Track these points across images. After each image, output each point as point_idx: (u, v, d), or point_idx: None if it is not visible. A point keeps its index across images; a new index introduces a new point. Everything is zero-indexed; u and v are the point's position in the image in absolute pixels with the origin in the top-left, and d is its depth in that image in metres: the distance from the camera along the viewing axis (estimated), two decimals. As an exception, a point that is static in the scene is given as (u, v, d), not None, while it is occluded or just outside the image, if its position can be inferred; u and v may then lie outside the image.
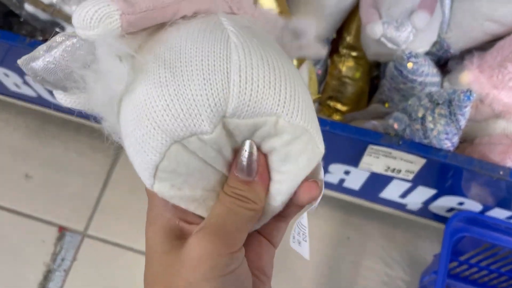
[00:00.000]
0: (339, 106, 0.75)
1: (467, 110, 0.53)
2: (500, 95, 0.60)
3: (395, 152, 0.61)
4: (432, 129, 0.55)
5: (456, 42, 0.66)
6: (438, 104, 0.54)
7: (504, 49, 0.60)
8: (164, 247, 0.25)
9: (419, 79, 0.63)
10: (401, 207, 0.78)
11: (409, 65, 0.59)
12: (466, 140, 0.67)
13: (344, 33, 0.71)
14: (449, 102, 0.53)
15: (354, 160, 0.66)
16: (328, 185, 0.80)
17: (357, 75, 0.72)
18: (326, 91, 0.75)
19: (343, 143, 0.64)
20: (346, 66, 0.72)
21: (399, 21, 0.60)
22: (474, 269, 0.80)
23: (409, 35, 0.60)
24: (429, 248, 0.88)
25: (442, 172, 0.63)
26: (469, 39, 0.65)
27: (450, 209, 0.72)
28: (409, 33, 0.60)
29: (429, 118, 0.55)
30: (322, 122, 0.62)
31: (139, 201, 0.86)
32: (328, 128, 0.61)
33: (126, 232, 0.88)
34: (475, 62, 0.63)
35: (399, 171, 0.65)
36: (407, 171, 0.64)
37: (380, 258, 0.88)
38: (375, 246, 0.89)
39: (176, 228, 0.25)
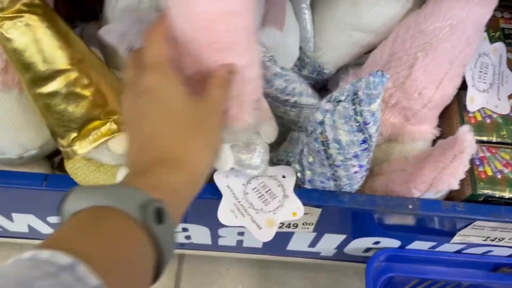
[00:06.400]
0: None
1: (378, 105, 0.36)
2: (384, 116, 0.48)
3: (284, 207, 0.46)
4: (334, 140, 0.39)
5: (328, 60, 0.53)
6: (340, 101, 0.38)
7: (376, 62, 0.49)
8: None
9: (292, 99, 0.48)
10: (315, 255, 0.63)
11: (277, 83, 0.44)
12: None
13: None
14: (354, 95, 0.36)
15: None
16: (228, 248, 0.63)
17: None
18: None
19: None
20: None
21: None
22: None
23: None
24: (358, 284, 0.75)
25: (345, 217, 0.50)
26: (340, 54, 0.53)
27: (367, 249, 0.59)
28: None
29: (329, 121, 0.39)
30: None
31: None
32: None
33: None
34: (350, 82, 0.51)
35: (296, 225, 0.50)
36: (305, 223, 0.49)
37: (308, 308, 0.73)
38: (300, 296, 0.74)
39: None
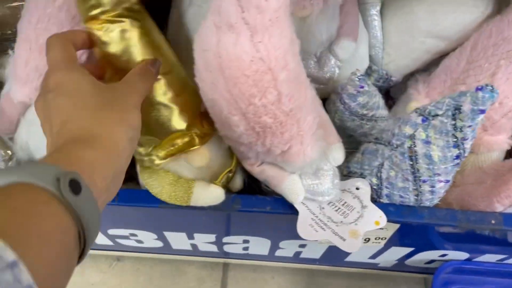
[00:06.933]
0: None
1: (480, 121, 0.35)
2: (460, 125, 0.46)
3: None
4: (425, 155, 0.38)
5: (397, 67, 0.52)
6: (436, 115, 0.36)
7: (452, 70, 0.47)
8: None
9: (370, 113, 0.47)
10: (372, 266, 0.62)
11: (360, 99, 0.43)
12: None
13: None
14: (456, 110, 0.34)
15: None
16: (283, 258, 0.62)
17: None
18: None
19: (286, 220, 0.47)
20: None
21: (318, 55, 0.44)
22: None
23: (334, 69, 0.45)
24: (408, 294, 0.73)
25: (420, 232, 0.48)
26: (410, 61, 0.51)
27: (431, 261, 0.57)
28: (333, 67, 0.45)
29: (422, 135, 0.37)
30: (260, 202, 0.44)
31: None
32: (269, 209, 0.44)
33: None
34: (421, 90, 0.49)
35: (367, 239, 0.48)
36: (378, 238, 0.48)
37: (355, 318, 0.71)
38: (347, 305, 0.72)
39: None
